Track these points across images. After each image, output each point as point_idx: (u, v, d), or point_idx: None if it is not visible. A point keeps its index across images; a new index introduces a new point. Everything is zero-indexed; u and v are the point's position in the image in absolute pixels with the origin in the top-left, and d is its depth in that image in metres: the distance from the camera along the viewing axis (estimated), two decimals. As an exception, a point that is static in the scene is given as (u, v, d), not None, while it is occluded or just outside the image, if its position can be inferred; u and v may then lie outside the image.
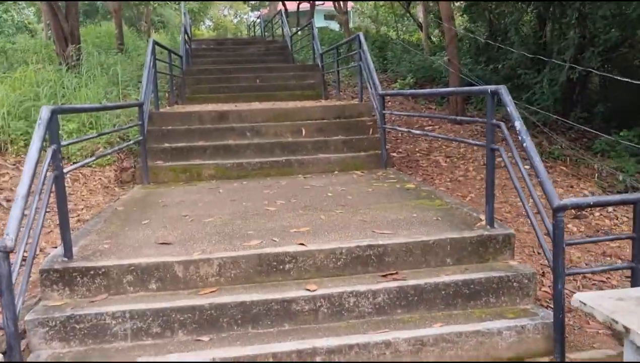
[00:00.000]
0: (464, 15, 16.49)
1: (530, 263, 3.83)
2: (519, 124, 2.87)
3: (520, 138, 2.82)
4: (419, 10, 21.73)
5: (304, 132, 6.36)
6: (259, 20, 23.02)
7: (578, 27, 9.11)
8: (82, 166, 4.72)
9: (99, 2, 23.12)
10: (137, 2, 18.62)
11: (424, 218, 3.70)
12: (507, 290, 3.04)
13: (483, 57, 13.35)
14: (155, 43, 6.71)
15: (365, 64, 6.47)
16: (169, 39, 16.91)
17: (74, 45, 9.29)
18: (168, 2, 21.20)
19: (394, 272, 3.16)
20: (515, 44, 11.85)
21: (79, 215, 4.53)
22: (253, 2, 34.40)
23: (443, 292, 3.00)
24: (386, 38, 16.33)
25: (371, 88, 6.36)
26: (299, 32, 14.72)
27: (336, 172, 5.86)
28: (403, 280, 3.03)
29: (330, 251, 3.13)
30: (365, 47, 6.43)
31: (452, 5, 8.43)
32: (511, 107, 2.95)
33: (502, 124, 3.11)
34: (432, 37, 17.29)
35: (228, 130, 6.29)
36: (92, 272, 2.95)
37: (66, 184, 5.26)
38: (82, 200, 4.97)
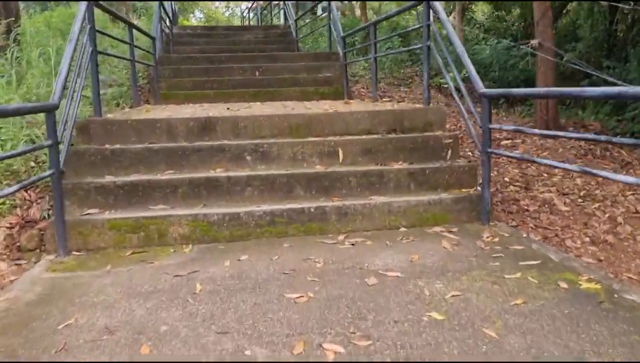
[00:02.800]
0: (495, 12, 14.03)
1: None
2: None
3: None
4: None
5: (341, 156, 3.84)
6: (253, 11, 20.36)
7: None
8: None
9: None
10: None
11: None
12: None
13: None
14: (98, 5, 4.10)
15: (442, 45, 3.94)
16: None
17: (4, 19, 6.71)
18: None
19: None
20: (584, 40, 9.38)
21: None
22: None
23: None
24: (408, 24, 13.77)
25: (452, 84, 3.86)
26: (307, 17, 12.18)
27: (403, 229, 3.36)
28: None
29: None
30: (443, 14, 3.89)
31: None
32: None
33: None
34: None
35: (216, 151, 3.74)
36: None
37: None
38: None
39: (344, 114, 4.16)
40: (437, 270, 2.61)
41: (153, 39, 6.77)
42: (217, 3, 39.23)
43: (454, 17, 20.07)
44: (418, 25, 4.53)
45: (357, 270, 2.63)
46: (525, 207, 4.13)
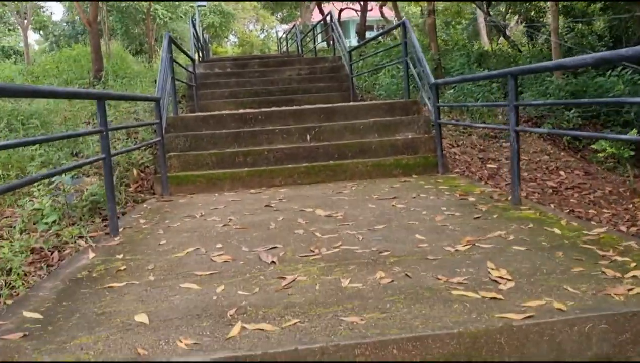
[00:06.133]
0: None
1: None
2: None
3: None
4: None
5: None
6: (290, 33, 18.25)
7: None
8: None
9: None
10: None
11: None
12: None
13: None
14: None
15: None
16: (183, 59, 11.56)
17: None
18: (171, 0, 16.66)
19: None
20: None
21: None
22: (282, 15, 30.17)
23: None
24: (480, 49, 11.35)
25: None
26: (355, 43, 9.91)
27: None
28: None
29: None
30: None
31: None
32: None
33: None
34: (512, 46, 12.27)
35: None
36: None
37: None
38: None
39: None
40: None
41: (156, 101, 4.56)
42: (251, 26, 37.63)
43: (518, 23, 17.47)
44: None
45: None
46: None
